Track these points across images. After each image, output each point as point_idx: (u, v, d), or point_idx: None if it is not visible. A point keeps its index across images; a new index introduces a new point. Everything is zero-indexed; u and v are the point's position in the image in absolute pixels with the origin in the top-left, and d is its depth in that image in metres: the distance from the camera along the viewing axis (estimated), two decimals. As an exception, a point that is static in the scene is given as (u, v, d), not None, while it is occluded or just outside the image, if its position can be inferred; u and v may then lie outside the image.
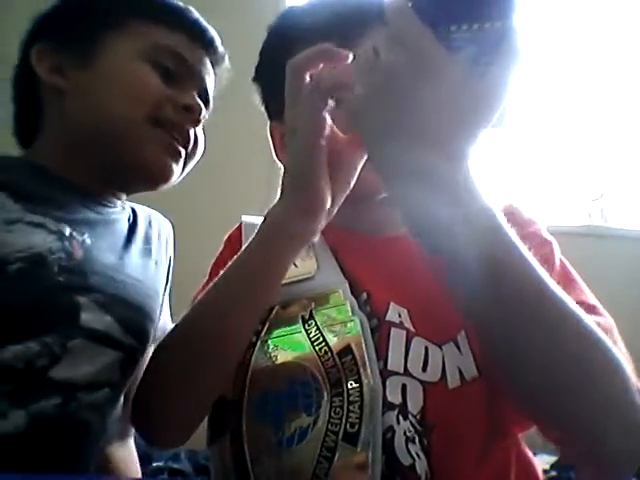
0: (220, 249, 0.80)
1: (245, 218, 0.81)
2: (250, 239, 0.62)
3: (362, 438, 0.58)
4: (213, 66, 0.84)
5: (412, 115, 0.46)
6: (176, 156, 0.77)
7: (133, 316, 0.71)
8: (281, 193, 0.60)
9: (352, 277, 0.69)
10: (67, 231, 0.68)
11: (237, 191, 2.17)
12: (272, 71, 0.75)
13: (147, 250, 0.82)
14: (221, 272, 0.63)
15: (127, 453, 0.81)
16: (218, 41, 0.83)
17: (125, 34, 0.77)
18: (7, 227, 0.62)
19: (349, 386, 0.61)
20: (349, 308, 0.66)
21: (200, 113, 0.78)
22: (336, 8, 0.69)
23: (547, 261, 0.66)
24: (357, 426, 0.59)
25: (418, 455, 0.59)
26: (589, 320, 0.51)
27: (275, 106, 0.77)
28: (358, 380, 0.61)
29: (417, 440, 0.59)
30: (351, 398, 0.60)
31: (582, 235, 2.40)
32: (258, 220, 0.82)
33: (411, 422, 0.60)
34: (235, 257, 0.63)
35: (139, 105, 0.73)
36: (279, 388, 0.63)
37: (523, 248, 0.49)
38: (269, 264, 0.61)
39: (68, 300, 0.63)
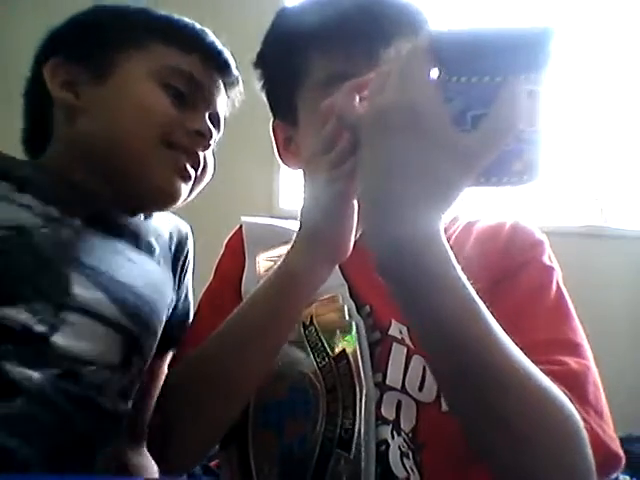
0: (221, 254, 0.79)
1: (245, 219, 0.81)
2: (263, 281, 0.61)
3: (355, 444, 0.58)
4: (226, 89, 0.83)
5: (392, 157, 0.45)
6: (186, 178, 0.77)
7: (131, 299, 0.71)
8: (301, 239, 0.59)
9: (355, 289, 0.68)
10: (55, 214, 0.69)
11: (238, 191, 2.17)
12: (276, 60, 0.74)
13: (150, 249, 0.81)
14: (234, 311, 0.62)
15: (146, 460, 0.81)
16: (232, 64, 0.83)
17: (140, 54, 0.77)
18: None
19: (343, 391, 0.61)
20: (346, 312, 0.66)
21: (210, 137, 0.77)
22: (352, 3, 0.66)
23: (541, 287, 0.65)
24: (350, 432, 0.59)
25: (412, 470, 0.59)
26: (546, 383, 0.49)
27: (278, 102, 0.76)
28: (351, 385, 0.61)
29: (411, 456, 0.59)
30: (345, 403, 0.61)
31: (582, 235, 2.40)
32: (258, 221, 0.82)
33: (404, 439, 0.60)
34: (248, 300, 0.62)
35: (148, 127, 0.73)
36: (280, 395, 0.63)
37: (479, 303, 0.47)
38: (283, 313, 0.61)
39: (56, 272, 0.65)
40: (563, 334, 0.62)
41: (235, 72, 0.83)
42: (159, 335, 0.76)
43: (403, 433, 0.60)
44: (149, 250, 0.80)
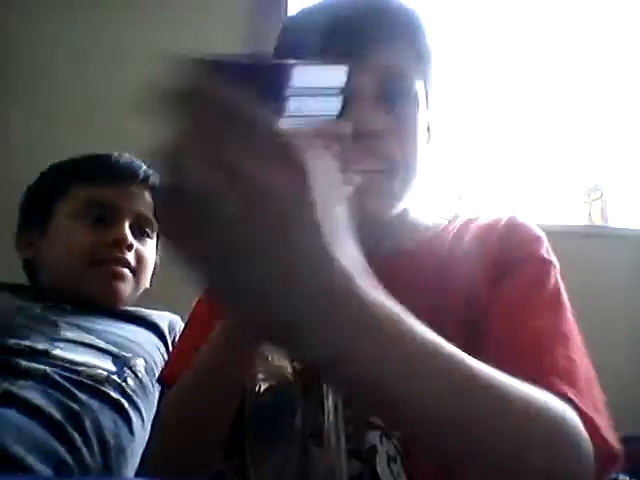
0: None
1: None
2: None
3: (326, 437, 0.59)
4: (146, 186, 1.08)
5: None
6: (122, 278, 1.02)
7: (110, 335, 0.93)
8: None
9: None
10: (38, 309, 0.95)
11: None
12: None
13: (138, 321, 1.05)
14: (199, 354, 0.64)
15: None
16: (140, 170, 1.08)
17: (65, 200, 1.05)
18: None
19: (314, 387, 0.62)
20: None
21: (126, 241, 1.01)
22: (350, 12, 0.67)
23: (537, 280, 0.65)
24: (322, 425, 0.60)
25: (400, 475, 0.59)
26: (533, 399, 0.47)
27: None
28: (319, 379, 0.61)
29: (399, 461, 0.59)
30: (318, 399, 0.62)
31: (582, 235, 2.40)
32: None
33: (393, 444, 0.60)
34: (209, 340, 0.63)
35: (76, 256, 1.00)
36: (267, 398, 0.64)
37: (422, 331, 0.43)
38: (238, 360, 0.61)
39: (48, 321, 0.90)
40: (563, 326, 0.61)
41: (144, 174, 1.07)
42: (155, 368, 0.95)
43: (393, 438, 0.60)
44: (136, 321, 1.02)
